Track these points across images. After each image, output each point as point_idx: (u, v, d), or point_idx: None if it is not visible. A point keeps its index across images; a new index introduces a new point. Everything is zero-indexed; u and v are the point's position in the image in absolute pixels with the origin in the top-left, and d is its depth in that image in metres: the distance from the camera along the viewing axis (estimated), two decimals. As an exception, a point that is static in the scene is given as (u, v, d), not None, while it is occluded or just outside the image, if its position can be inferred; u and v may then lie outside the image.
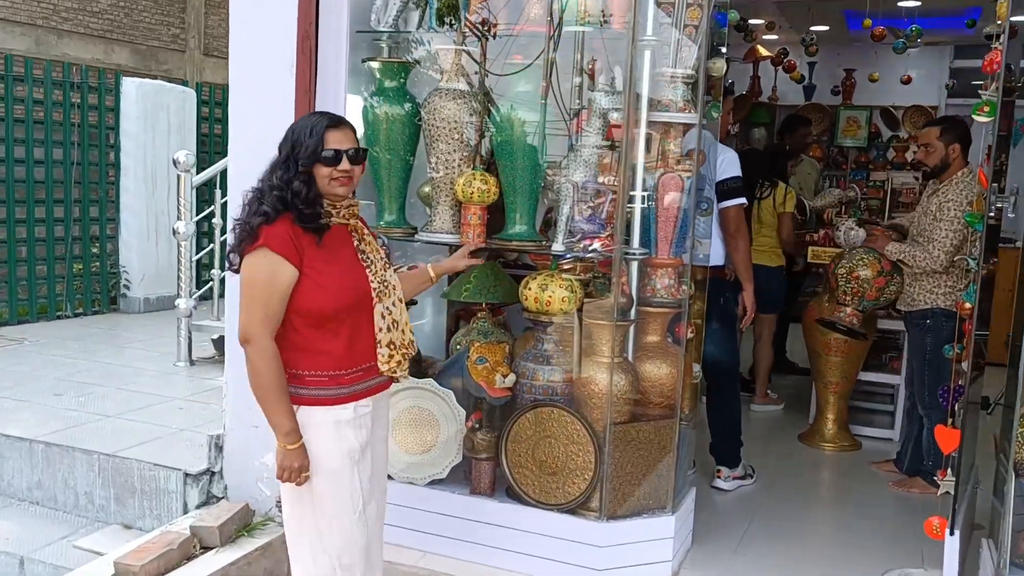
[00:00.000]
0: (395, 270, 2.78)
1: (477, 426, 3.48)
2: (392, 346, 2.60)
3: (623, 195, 3.24)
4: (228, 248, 2.51)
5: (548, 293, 3.36)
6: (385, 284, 2.60)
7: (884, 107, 9.00)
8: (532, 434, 3.41)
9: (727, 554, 3.66)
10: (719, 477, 4.37)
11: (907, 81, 8.43)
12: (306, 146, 2.41)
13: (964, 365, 3.33)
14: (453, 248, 4.10)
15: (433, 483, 3.55)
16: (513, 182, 3.44)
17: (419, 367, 3.77)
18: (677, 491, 3.50)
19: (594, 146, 3.29)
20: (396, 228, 3.69)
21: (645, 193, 3.39)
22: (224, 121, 8.05)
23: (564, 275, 3.40)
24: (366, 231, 2.64)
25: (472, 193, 3.42)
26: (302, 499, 2.53)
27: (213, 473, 3.76)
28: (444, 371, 3.61)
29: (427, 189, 3.89)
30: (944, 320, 4.20)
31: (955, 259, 4.11)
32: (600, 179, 3.33)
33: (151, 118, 7.22)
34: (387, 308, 2.59)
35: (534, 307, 3.41)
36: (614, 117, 3.24)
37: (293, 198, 2.40)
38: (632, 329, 3.48)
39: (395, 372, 2.62)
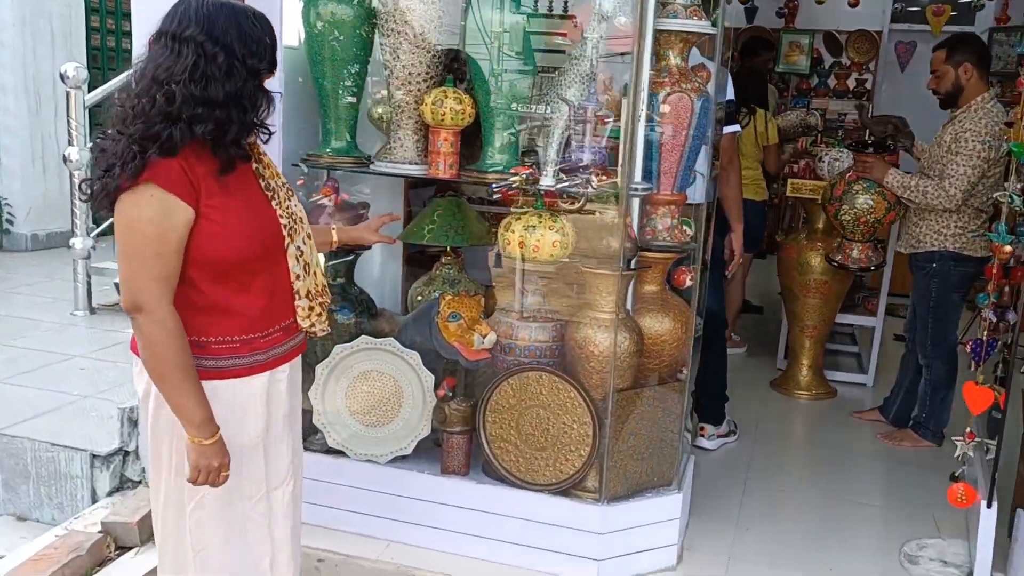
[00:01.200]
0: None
1: (450, 394, 2.93)
2: (310, 296, 2.07)
3: (631, 118, 2.68)
4: (89, 182, 1.84)
5: (537, 237, 2.80)
6: (293, 218, 2.04)
7: (828, 31, 8.60)
8: (516, 403, 2.88)
9: (730, 528, 3.25)
10: (703, 435, 3.94)
11: (854, 4, 8.00)
12: (264, 44, 1.80)
13: (1010, 316, 2.93)
14: (421, 186, 3.51)
15: (397, 461, 3.00)
16: (492, 103, 2.84)
17: (375, 323, 3.19)
18: (681, 464, 3.05)
19: (593, 57, 2.71)
20: (346, 156, 3.05)
21: (646, 116, 2.84)
22: (118, 33, 7.14)
23: (554, 215, 2.84)
24: (262, 152, 2.04)
25: (444, 115, 2.81)
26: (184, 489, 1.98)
27: (127, 453, 3.13)
28: (407, 328, 3.03)
29: (379, 111, 3.26)
30: (952, 264, 3.82)
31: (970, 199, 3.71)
32: (601, 97, 2.76)
33: (31, 25, 6.25)
34: (299, 248, 2.04)
35: (518, 253, 2.85)
36: (622, 22, 2.66)
37: (246, 114, 1.79)
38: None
39: (314, 327, 2.10)
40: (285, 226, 1.99)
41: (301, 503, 2.25)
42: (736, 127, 3.74)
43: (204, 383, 1.89)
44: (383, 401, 3.00)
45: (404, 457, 3.01)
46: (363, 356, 2.99)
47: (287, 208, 2.01)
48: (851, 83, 8.38)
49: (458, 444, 2.95)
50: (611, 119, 2.84)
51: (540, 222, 2.82)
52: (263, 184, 1.99)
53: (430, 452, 3.04)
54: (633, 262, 2.85)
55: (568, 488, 2.85)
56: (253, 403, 2.00)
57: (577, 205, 2.81)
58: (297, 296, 2.04)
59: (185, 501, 1.99)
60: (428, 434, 3.00)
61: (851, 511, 3.47)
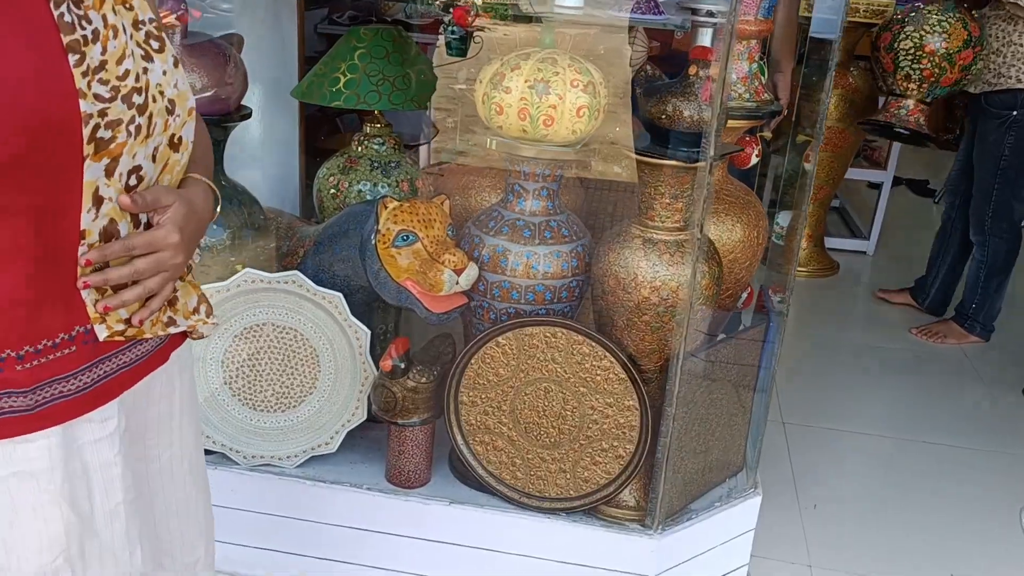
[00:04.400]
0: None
1: (400, 364, 1.76)
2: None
3: None
4: None
5: (551, 101, 1.60)
6: (127, 98, 0.86)
7: None
8: (509, 376, 1.75)
9: (793, 513, 2.28)
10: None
11: None
12: None
13: None
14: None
15: (314, 465, 1.86)
16: None
17: (261, 241, 1.96)
18: (754, 437, 2.02)
19: None
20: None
21: None
22: None
23: (576, 60, 1.64)
24: None
25: None
26: None
27: None
28: (320, 252, 1.83)
29: None
30: None
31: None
32: None
33: None
34: (137, 164, 0.87)
35: (516, 126, 1.65)
36: None
37: None
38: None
39: (144, 331, 0.97)
40: (91, 116, 0.79)
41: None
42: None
43: None
44: (286, 372, 1.82)
45: (324, 459, 1.87)
46: (247, 302, 1.79)
47: (119, 73, 0.81)
48: None
49: (414, 440, 1.82)
50: None
51: (556, 73, 1.61)
52: (61, 18, 0.77)
53: (367, 450, 1.91)
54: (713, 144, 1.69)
55: (596, 506, 1.79)
56: (27, 498, 0.85)
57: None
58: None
59: None
60: (363, 419, 1.86)
61: (928, 455, 2.57)
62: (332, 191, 1.99)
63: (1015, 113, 2.91)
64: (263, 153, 2.29)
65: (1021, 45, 2.85)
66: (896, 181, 4.39)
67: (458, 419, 1.81)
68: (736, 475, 1.98)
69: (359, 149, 2.02)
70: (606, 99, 1.67)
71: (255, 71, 1.98)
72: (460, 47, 1.96)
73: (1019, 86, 2.89)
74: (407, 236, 1.68)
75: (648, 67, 1.65)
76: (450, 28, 1.95)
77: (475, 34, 1.96)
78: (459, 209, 2.02)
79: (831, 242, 4.18)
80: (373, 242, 1.70)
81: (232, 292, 1.77)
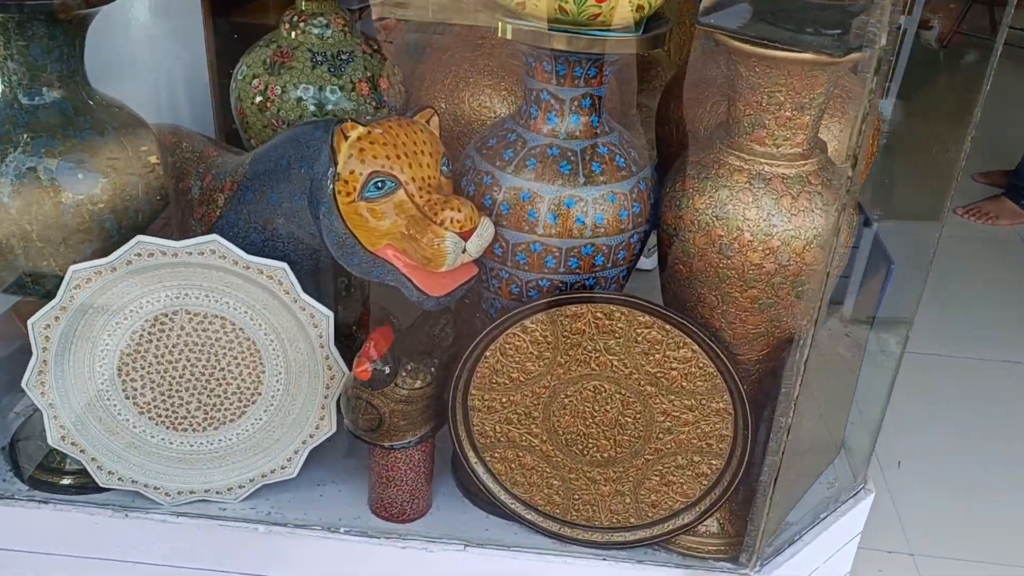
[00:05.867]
0: None
1: (384, 368, 1.19)
2: None
3: None
4: None
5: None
6: None
7: None
8: (542, 372, 1.21)
9: (874, 470, 1.81)
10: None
11: None
12: None
13: None
14: None
15: (265, 496, 1.32)
16: None
17: (150, 187, 1.34)
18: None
19: None
20: None
21: None
22: None
23: None
24: None
25: None
26: None
27: None
28: (246, 200, 1.22)
29: None
30: None
31: None
32: None
33: None
34: None
35: (551, 4, 1.04)
36: None
37: None
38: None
39: None
40: None
41: None
42: None
43: None
44: (214, 377, 1.26)
45: (282, 489, 1.33)
46: (145, 283, 1.19)
47: None
48: None
49: (409, 463, 1.28)
50: None
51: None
52: None
53: (341, 470, 1.37)
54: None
55: (668, 539, 1.29)
56: None
57: None
58: None
59: None
60: (332, 432, 1.31)
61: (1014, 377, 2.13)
62: (258, 99, 1.36)
63: None
64: (147, 39, 1.60)
65: None
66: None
67: (469, 430, 1.27)
68: (833, 463, 1.49)
69: (292, 35, 1.37)
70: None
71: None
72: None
73: None
74: (383, 182, 1.09)
75: None
76: None
77: None
78: (444, 117, 1.41)
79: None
80: (330, 191, 1.10)
81: (120, 271, 1.17)
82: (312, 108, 1.34)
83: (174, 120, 1.45)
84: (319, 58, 1.36)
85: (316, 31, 1.37)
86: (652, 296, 1.18)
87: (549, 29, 1.05)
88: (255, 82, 1.37)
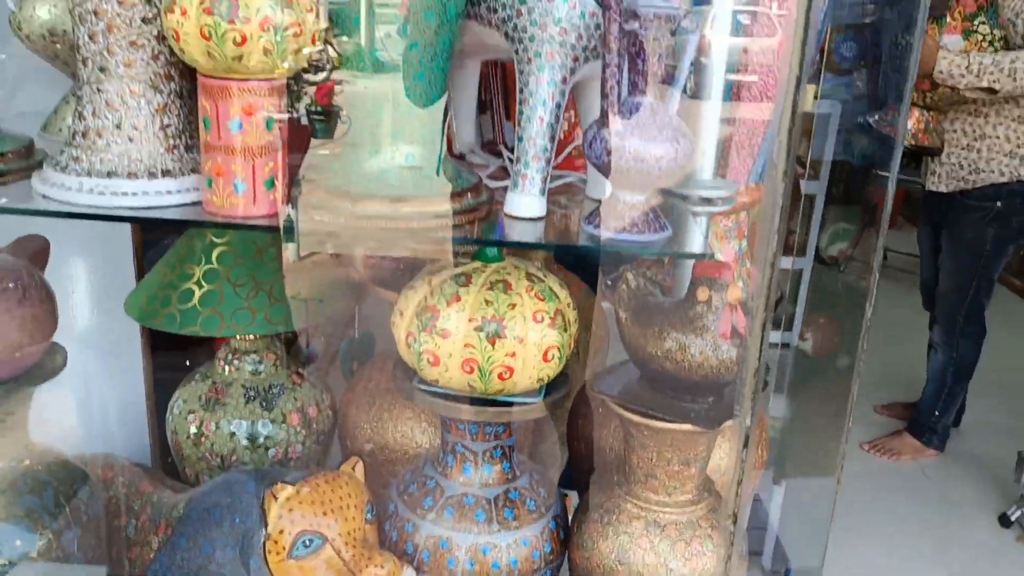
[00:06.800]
0: None
1: None
2: None
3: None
4: None
5: (510, 343, 1.13)
6: None
7: None
8: None
9: None
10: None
11: None
12: None
13: None
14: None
15: None
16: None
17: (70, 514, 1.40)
18: None
19: None
20: None
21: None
22: None
23: (533, 276, 1.18)
24: None
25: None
26: None
27: None
28: (180, 546, 1.28)
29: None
30: (1021, 202, 2.62)
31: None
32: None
33: None
34: None
35: (460, 380, 1.17)
36: None
37: None
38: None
39: None
40: None
41: None
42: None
43: None
44: None
45: None
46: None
47: None
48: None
49: None
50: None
51: (512, 305, 1.14)
52: None
53: None
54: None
55: None
56: None
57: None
58: None
59: None
60: None
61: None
62: (193, 433, 1.45)
63: (998, 204, 2.64)
64: (86, 378, 1.69)
65: (996, 137, 2.58)
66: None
67: None
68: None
69: (226, 371, 1.49)
70: (576, 324, 1.21)
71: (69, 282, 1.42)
72: (325, 128, 1.45)
73: (1002, 179, 2.61)
74: (311, 540, 1.17)
75: (630, 275, 1.21)
76: (313, 108, 1.42)
77: (341, 112, 1.43)
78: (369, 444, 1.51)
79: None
80: (261, 551, 1.18)
81: (54, 630, 1.21)
82: (244, 443, 1.44)
83: (113, 447, 1.52)
84: (251, 393, 1.47)
85: (250, 368, 1.48)
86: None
87: (460, 399, 1.18)
88: (191, 417, 1.46)
